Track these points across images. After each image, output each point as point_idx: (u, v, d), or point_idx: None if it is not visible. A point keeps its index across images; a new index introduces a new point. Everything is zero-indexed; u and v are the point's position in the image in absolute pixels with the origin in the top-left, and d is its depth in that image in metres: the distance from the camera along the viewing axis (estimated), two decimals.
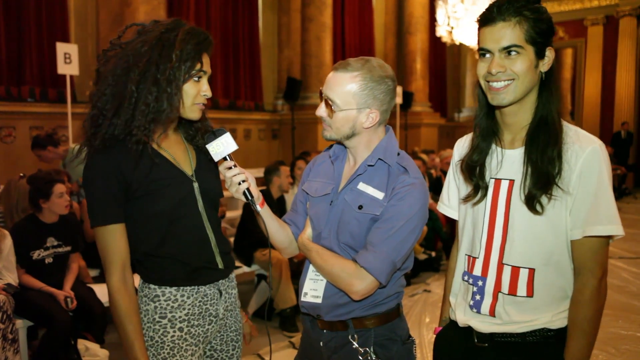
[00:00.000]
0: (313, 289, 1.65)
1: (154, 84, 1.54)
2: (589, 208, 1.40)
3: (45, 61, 7.06)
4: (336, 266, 1.55)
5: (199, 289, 1.67)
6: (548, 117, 1.46)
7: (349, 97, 1.55)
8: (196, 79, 1.60)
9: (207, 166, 1.72)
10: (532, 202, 1.44)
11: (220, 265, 1.71)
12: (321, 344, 1.66)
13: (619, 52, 13.54)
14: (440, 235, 6.34)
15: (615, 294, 5.11)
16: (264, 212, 1.65)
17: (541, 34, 1.42)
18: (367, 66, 1.55)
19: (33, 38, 7.00)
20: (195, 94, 1.61)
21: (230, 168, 1.56)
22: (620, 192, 12.00)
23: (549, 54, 1.45)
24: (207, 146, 1.57)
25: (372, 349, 1.59)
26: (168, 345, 1.63)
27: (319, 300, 1.62)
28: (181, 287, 1.65)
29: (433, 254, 6.10)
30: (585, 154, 1.41)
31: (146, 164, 1.58)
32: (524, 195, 1.45)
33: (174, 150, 1.69)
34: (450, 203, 1.74)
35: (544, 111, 1.47)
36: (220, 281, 1.74)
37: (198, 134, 1.76)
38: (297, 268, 4.47)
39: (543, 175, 1.42)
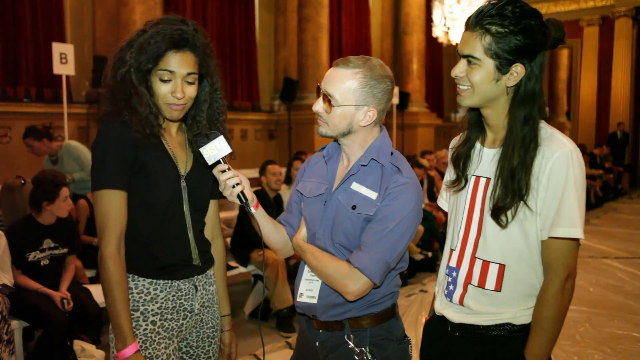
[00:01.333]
0: (309, 290, 1.65)
1: (117, 86, 1.59)
2: (555, 211, 1.42)
3: (41, 61, 7.04)
4: (330, 267, 1.55)
5: (172, 283, 1.68)
6: (513, 136, 1.47)
7: (349, 94, 1.55)
8: (165, 79, 1.60)
9: (202, 170, 1.73)
10: (496, 214, 1.47)
11: (197, 262, 1.73)
12: (317, 344, 1.66)
13: (614, 53, 13.58)
14: (437, 235, 6.35)
15: (611, 293, 5.13)
16: (258, 214, 1.66)
17: (509, 51, 1.42)
18: (368, 64, 1.56)
19: (29, 38, 6.98)
20: (164, 94, 1.61)
21: (223, 171, 1.56)
22: (615, 192, 12.04)
23: (517, 70, 1.44)
24: (200, 149, 1.57)
25: (368, 349, 1.59)
26: (140, 339, 1.64)
27: (315, 301, 1.62)
28: (154, 280, 1.65)
29: (429, 254, 6.11)
30: (554, 158, 1.42)
31: (155, 153, 1.63)
32: (491, 205, 1.48)
33: (176, 149, 1.72)
34: (447, 198, 1.78)
35: (511, 130, 1.48)
36: (196, 277, 1.74)
37: (190, 130, 1.76)
38: (293, 269, 4.47)
39: (509, 192, 1.45)
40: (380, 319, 1.62)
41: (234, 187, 1.55)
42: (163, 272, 1.66)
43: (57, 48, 5.71)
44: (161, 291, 1.66)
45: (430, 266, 6.06)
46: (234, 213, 5.82)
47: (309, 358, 1.71)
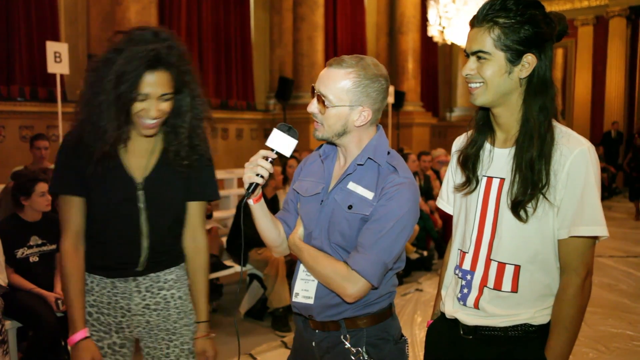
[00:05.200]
0: (304, 290, 1.64)
1: (98, 106, 1.63)
2: (575, 209, 1.42)
3: (35, 60, 7.00)
4: (328, 268, 1.54)
5: (107, 279, 1.77)
6: (529, 126, 1.47)
7: (342, 94, 1.53)
8: (140, 99, 1.64)
9: (168, 174, 1.77)
10: (516, 209, 1.46)
11: (140, 268, 1.78)
12: (313, 344, 1.65)
13: (608, 52, 13.64)
14: (432, 234, 6.35)
15: (606, 292, 5.15)
16: (256, 207, 1.63)
17: (519, 41, 1.42)
18: (361, 63, 1.54)
19: (23, 37, 6.94)
20: (137, 111, 1.66)
21: (266, 159, 1.54)
22: (610, 191, 12.09)
23: (529, 60, 1.45)
24: (275, 129, 1.57)
25: (364, 349, 1.58)
26: None
27: (311, 301, 1.61)
28: (91, 274, 1.77)
29: (425, 253, 6.12)
30: (572, 156, 1.42)
31: (106, 162, 1.70)
32: (510, 200, 1.47)
33: (133, 155, 1.75)
34: (448, 199, 1.78)
35: (527, 121, 1.48)
36: (140, 278, 1.79)
37: (172, 146, 1.78)
38: (292, 267, 4.46)
39: (528, 184, 1.44)
40: (376, 319, 1.61)
41: (257, 175, 1.53)
42: (97, 269, 1.77)
43: (51, 47, 5.68)
44: (97, 285, 1.77)
45: (425, 265, 6.07)
46: (231, 212, 5.81)
47: (305, 358, 1.70)
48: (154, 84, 1.63)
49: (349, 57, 1.56)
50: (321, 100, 1.56)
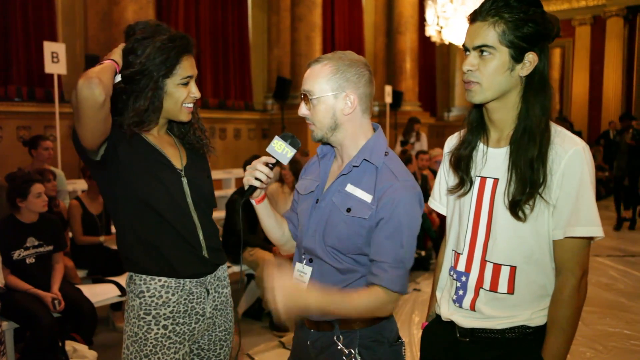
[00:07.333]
0: None
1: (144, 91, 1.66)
2: (571, 209, 1.41)
3: (33, 60, 6.99)
4: (365, 304, 1.52)
5: (184, 286, 1.69)
6: (530, 124, 1.45)
7: (323, 84, 1.56)
8: (185, 83, 1.70)
9: (198, 165, 1.81)
10: (515, 209, 1.45)
11: (205, 254, 1.74)
12: (308, 343, 1.65)
13: (606, 52, 13.68)
14: (430, 234, 6.36)
15: (603, 291, 5.16)
16: (260, 207, 1.68)
17: (522, 38, 1.40)
18: (337, 55, 1.59)
19: (20, 37, 6.93)
20: (185, 97, 1.71)
21: (266, 165, 1.60)
22: (607, 190, 12.09)
23: (530, 58, 1.43)
24: (276, 137, 1.62)
25: (357, 351, 1.58)
26: (151, 343, 1.65)
27: None
28: (165, 283, 1.67)
29: (423, 253, 6.12)
30: (567, 156, 1.40)
31: (142, 148, 1.70)
32: (508, 200, 1.46)
33: (165, 147, 1.77)
34: (440, 199, 1.77)
35: (526, 118, 1.46)
36: (208, 279, 1.76)
37: (190, 131, 1.84)
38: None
39: (527, 183, 1.42)
40: (370, 321, 1.60)
41: (255, 179, 1.58)
42: (174, 267, 1.68)
43: (48, 47, 5.67)
44: (173, 294, 1.68)
45: (423, 265, 6.08)
46: None
47: (302, 357, 1.70)
48: (192, 66, 1.73)
49: (327, 54, 1.61)
50: (307, 98, 1.59)
